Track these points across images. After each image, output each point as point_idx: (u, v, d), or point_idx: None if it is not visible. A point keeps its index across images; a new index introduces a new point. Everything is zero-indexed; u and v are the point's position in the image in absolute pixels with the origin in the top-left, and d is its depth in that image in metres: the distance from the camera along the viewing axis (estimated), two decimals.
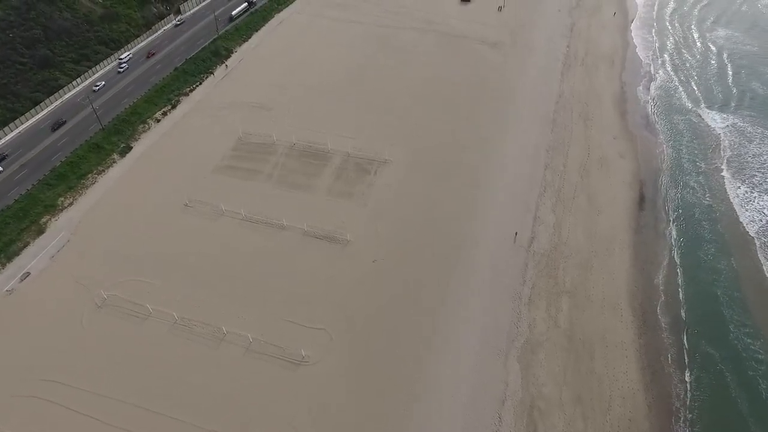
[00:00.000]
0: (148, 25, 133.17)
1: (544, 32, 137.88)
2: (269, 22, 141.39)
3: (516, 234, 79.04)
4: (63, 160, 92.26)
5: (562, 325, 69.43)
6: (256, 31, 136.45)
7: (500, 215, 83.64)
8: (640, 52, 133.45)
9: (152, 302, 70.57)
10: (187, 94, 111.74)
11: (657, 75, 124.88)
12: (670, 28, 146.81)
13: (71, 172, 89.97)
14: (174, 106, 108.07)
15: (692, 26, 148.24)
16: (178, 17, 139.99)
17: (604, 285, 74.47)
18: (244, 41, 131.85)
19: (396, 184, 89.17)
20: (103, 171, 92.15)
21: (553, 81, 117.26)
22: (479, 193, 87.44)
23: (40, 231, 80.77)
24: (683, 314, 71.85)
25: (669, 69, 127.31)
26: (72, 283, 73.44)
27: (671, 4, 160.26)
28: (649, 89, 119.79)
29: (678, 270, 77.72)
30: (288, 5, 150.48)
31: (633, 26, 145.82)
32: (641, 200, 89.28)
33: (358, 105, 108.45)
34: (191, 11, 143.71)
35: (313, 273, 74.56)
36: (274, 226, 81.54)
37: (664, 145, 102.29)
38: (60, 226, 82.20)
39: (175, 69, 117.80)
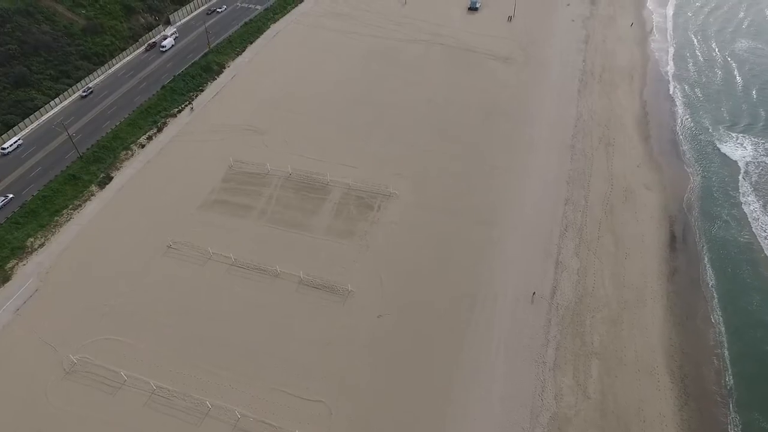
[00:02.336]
0: (135, 37, 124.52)
1: (557, 45, 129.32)
2: (265, 33, 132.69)
3: (534, 294, 70.54)
4: (35, 194, 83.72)
5: (593, 396, 61.17)
6: (251, 43, 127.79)
7: (518, 260, 75.30)
8: (661, 67, 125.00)
9: (127, 367, 62.23)
10: (174, 115, 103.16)
11: (679, 92, 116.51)
12: (690, 39, 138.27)
13: (43, 208, 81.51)
14: (160, 129, 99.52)
15: (713, 37, 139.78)
16: (168, 28, 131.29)
17: (637, 344, 66.22)
18: (238, 55, 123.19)
19: (402, 222, 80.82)
20: (80, 206, 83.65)
21: (570, 101, 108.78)
22: (494, 234, 79.11)
23: (5, 278, 72.36)
24: (730, 380, 63.67)
25: (691, 85, 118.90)
26: (37, 343, 65.05)
27: (690, 14, 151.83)
28: (671, 108, 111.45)
29: (720, 324, 69.50)
30: (285, 14, 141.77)
31: (651, 38, 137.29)
32: (672, 239, 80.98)
33: (359, 128, 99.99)
34: (182, 21, 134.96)
35: (311, 332, 66.23)
36: (267, 273, 73.21)
37: (692, 173, 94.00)
38: (28, 273, 73.77)
39: (163, 87, 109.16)
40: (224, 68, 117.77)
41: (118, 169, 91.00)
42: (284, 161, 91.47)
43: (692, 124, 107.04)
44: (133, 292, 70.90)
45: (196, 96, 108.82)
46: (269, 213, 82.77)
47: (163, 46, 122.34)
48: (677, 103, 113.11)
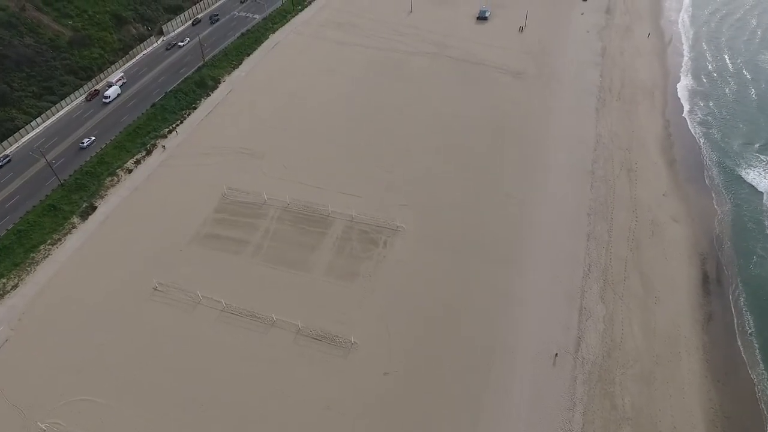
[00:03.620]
0: (125, 50, 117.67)
1: (572, 58, 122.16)
2: (263, 44, 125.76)
3: (556, 355, 63.59)
4: (10, 228, 76.98)
5: None
6: (248, 55, 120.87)
7: (538, 307, 68.40)
8: (682, 82, 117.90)
9: None
10: (165, 136, 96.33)
11: (702, 110, 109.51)
12: (712, 51, 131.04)
13: (18, 244, 74.81)
14: (149, 152, 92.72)
15: (737, 49, 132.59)
16: (161, 39, 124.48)
17: (673, 408, 59.34)
18: (234, 68, 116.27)
19: (410, 261, 73.95)
20: (59, 240, 76.94)
21: (588, 121, 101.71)
22: (511, 275, 72.23)
23: None
24: None
25: (716, 102, 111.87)
26: (5, 406, 58.40)
27: (711, 23, 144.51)
28: (695, 128, 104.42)
29: (763, 381, 62.60)
30: (285, 23, 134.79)
31: (670, 50, 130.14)
32: (705, 280, 74.03)
33: (362, 151, 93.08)
34: (176, 31, 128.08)
35: (309, 392, 59.44)
36: (262, 321, 66.42)
37: (720, 202, 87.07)
38: None
39: (153, 105, 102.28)
40: (219, 83, 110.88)
41: (103, 198, 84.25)
42: (282, 189, 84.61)
43: (718, 146, 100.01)
44: (112, 344, 64.18)
45: (189, 114, 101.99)
46: (265, 249, 75.97)
47: (106, 97, 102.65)
48: (701, 123, 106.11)
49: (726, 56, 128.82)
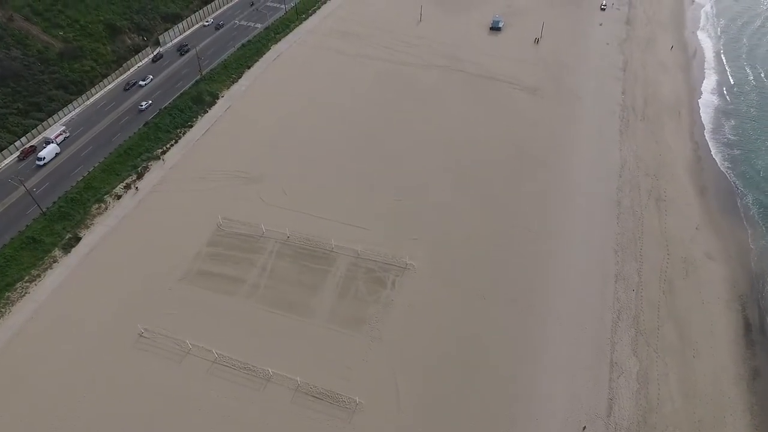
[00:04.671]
0: (119, 62, 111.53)
1: (592, 73, 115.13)
2: (265, 55, 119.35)
3: (584, 429, 56.58)
4: None
5: None
6: (249, 68, 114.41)
7: (564, 363, 61.40)
8: (710, 99, 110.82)
9: None
10: (158, 158, 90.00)
11: (731, 130, 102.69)
12: (739, 64, 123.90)
13: None
14: (141, 175, 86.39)
15: (764, 61, 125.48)
16: (156, 50, 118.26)
17: None
18: (233, 82, 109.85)
19: (420, 306, 67.22)
20: (38, 276, 70.62)
21: (611, 144, 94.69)
22: (532, 324, 65.33)
23: None
24: None
25: (746, 121, 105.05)
26: None
27: (734, 33, 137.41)
28: (725, 151, 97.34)
29: None
30: (288, 33, 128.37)
31: (695, 63, 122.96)
32: (747, 328, 66.95)
33: (369, 176, 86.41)
34: (172, 42, 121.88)
35: None
36: (257, 375, 59.84)
37: (757, 237, 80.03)
38: None
39: (146, 123, 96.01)
40: (217, 99, 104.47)
41: (88, 228, 77.91)
42: (282, 220, 78.09)
43: (751, 171, 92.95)
44: (91, 402, 57.71)
45: (184, 133, 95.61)
46: (262, 289, 69.39)
47: (40, 158, 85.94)
48: (731, 145, 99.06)
49: (755, 70, 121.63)
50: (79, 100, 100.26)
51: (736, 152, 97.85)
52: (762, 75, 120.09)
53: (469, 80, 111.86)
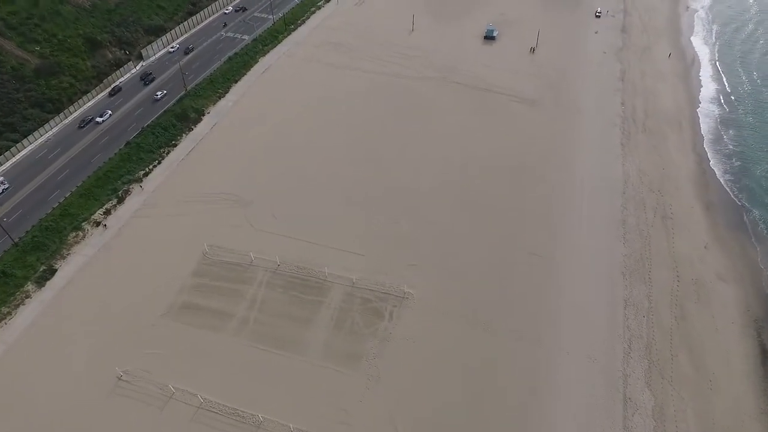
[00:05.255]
0: (100, 77, 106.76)
1: (590, 83, 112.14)
2: (253, 68, 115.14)
3: None
4: None
5: None
6: (236, 82, 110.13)
7: (575, 400, 57.68)
8: (711, 110, 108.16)
9: None
10: (140, 180, 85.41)
11: (734, 141, 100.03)
12: (737, 71, 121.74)
13: None
14: (121, 200, 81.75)
15: (762, 68, 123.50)
16: (140, 64, 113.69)
17: None
18: (220, 98, 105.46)
19: (420, 339, 63.17)
20: (8, 315, 65.68)
21: (613, 158, 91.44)
22: (540, 356, 61.53)
23: None
24: None
25: (748, 131, 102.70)
26: None
27: (732, 40, 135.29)
28: (729, 163, 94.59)
29: None
30: (276, 45, 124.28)
31: (694, 72, 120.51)
32: (763, 356, 63.62)
33: (362, 197, 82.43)
34: (156, 55, 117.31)
35: None
36: (246, 421, 55.39)
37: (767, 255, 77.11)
38: None
39: (127, 143, 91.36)
40: (203, 115, 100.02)
41: (65, 258, 73.12)
42: (272, 246, 73.78)
43: (754, 185, 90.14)
44: None
45: (168, 153, 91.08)
46: (251, 324, 65.01)
47: None
48: (735, 156, 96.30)
49: (750, 76, 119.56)
50: (57, 119, 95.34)
51: (739, 164, 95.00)
52: (758, 81, 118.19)
53: (464, 92, 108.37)
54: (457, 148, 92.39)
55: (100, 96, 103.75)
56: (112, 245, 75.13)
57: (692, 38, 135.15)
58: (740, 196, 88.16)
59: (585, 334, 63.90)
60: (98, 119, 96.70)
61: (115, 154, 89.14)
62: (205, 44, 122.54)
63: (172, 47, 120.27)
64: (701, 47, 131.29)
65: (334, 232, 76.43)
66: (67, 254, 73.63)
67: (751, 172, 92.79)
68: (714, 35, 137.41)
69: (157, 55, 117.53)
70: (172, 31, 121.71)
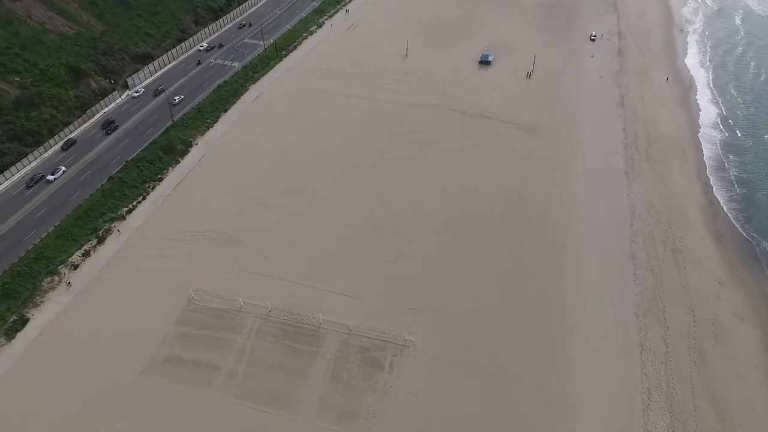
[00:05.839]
0: (83, 107, 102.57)
1: (589, 109, 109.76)
2: (243, 96, 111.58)
3: None
4: None
5: None
6: (225, 111, 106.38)
7: None
8: (710, 134, 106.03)
9: None
10: (123, 218, 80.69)
11: (737, 166, 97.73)
12: (732, 93, 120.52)
13: None
14: (102, 240, 76.83)
15: (761, 90, 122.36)
16: (126, 93, 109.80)
17: None
18: (209, 127, 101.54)
19: (423, 392, 58.33)
20: None
21: (618, 188, 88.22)
22: (552, 411, 56.80)
23: None
24: None
25: (749, 156, 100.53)
26: None
27: (727, 62, 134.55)
28: (735, 190, 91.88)
29: None
30: (267, 71, 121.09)
31: (693, 96, 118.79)
32: None
33: (357, 233, 78.14)
34: (143, 83, 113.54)
35: None
36: None
37: None
38: None
39: (110, 178, 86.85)
40: (191, 147, 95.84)
41: (38, 306, 67.77)
42: (262, 289, 69.05)
43: (762, 215, 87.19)
44: None
45: (153, 188, 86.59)
46: (240, 378, 59.89)
47: None
48: (739, 183, 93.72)
49: (745, 97, 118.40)
50: (36, 153, 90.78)
51: (744, 191, 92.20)
52: (752, 104, 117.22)
53: (461, 119, 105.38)
54: (456, 179, 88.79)
55: (52, 150, 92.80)
56: (89, 292, 69.87)
57: (687, 61, 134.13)
58: (747, 227, 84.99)
59: (600, 384, 59.41)
60: (49, 177, 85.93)
61: (97, 189, 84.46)
62: (179, 82, 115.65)
63: (136, 91, 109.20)
64: (697, 70, 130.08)
65: (329, 272, 71.92)
66: (41, 302, 68.31)
67: (757, 201, 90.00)
68: (708, 58, 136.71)
69: (118, 100, 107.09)
70: (151, 66, 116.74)
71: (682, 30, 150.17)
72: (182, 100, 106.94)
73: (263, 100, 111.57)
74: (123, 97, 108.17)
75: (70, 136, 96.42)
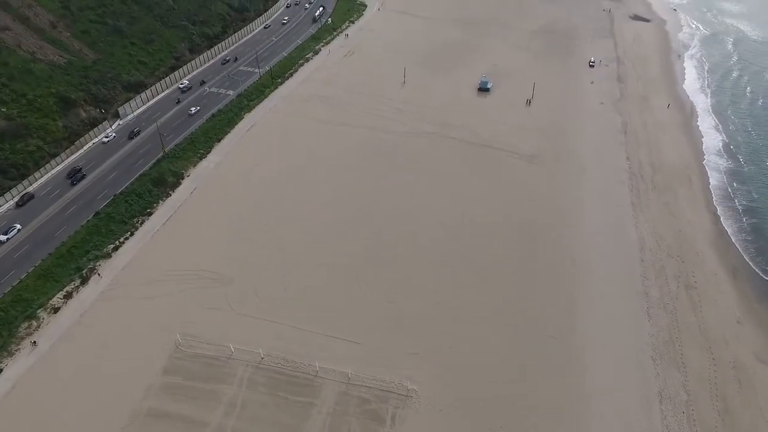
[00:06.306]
0: (72, 138, 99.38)
1: (591, 137, 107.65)
2: (237, 126, 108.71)
3: None
4: None
5: None
6: (219, 141, 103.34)
7: None
8: (714, 161, 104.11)
9: None
10: (109, 255, 76.64)
11: (744, 194, 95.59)
12: (732, 119, 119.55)
13: None
14: (85, 281, 72.56)
15: (761, 114, 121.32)
16: (117, 123, 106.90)
17: None
18: (201, 158, 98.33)
19: None
20: None
21: (626, 220, 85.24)
22: None
23: None
24: None
25: (755, 186, 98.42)
26: None
27: (724, 89, 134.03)
28: (744, 220, 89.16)
29: None
30: (262, 100, 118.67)
31: (693, 121, 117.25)
32: None
33: (356, 273, 74.14)
34: (134, 113, 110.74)
35: None
36: None
37: None
38: None
39: (96, 214, 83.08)
40: (182, 179, 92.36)
41: (13, 355, 62.94)
42: (255, 334, 64.76)
43: None
44: None
45: (142, 223, 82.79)
46: None
47: None
48: (747, 213, 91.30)
49: (749, 126, 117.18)
50: (20, 186, 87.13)
51: (754, 221, 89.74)
52: (751, 129, 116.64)
53: (461, 148, 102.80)
54: (457, 211, 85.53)
55: (7, 204, 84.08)
56: (70, 338, 65.29)
57: (686, 86, 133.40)
58: (759, 259, 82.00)
59: None
60: (1, 237, 77.38)
61: (82, 226, 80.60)
62: (170, 113, 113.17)
63: (106, 135, 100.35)
64: (696, 96, 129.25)
65: (325, 313, 67.82)
66: (17, 350, 63.56)
67: (767, 232, 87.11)
68: (706, 83, 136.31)
69: (85, 147, 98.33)
70: (143, 94, 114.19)
71: (679, 55, 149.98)
72: (198, 111, 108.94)
73: (258, 129, 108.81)
74: (90, 143, 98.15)
75: (27, 190, 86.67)
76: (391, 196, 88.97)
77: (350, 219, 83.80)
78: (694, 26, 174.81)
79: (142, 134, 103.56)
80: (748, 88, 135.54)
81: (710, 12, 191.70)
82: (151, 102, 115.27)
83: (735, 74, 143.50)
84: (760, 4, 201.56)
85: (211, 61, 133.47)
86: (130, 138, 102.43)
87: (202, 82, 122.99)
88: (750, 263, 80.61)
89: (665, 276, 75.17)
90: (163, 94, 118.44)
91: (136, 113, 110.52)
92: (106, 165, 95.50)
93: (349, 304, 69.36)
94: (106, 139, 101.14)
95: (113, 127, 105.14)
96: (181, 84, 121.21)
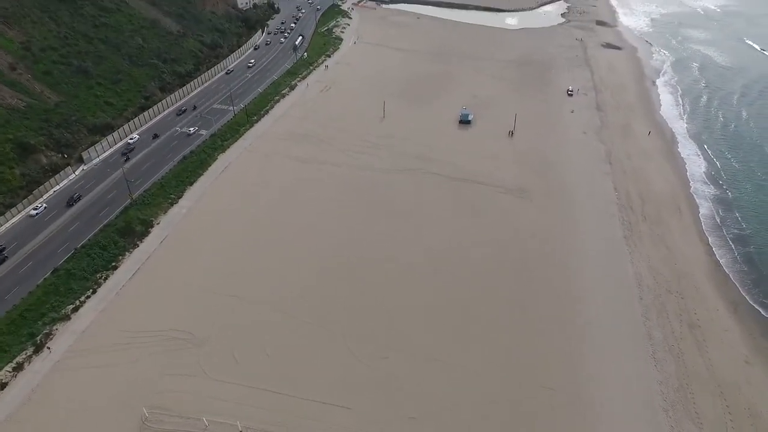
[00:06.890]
0: (29, 187, 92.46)
1: (577, 167, 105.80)
2: (210, 167, 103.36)
3: None
4: None
5: None
6: (191, 184, 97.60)
7: None
8: (701, 189, 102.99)
9: None
10: (68, 318, 69.32)
11: (736, 224, 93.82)
12: (711, 145, 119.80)
13: None
14: (38, 350, 65.03)
15: (744, 142, 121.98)
16: (80, 168, 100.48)
17: None
18: (172, 204, 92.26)
19: None
20: None
21: (620, 255, 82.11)
22: None
23: None
24: None
25: (744, 212, 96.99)
26: None
27: (697, 114, 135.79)
28: (739, 249, 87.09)
29: None
30: (237, 139, 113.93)
31: (675, 148, 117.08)
32: None
33: (342, 327, 68.20)
34: (99, 158, 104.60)
35: None
36: None
37: None
38: None
39: (54, 271, 76.00)
40: (151, 227, 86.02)
41: None
42: (232, 403, 58.17)
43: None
44: None
45: (106, 278, 75.88)
46: None
47: None
48: (736, 242, 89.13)
49: (725, 151, 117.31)
50: (31, 198, 79.89)
51: (746, 251, 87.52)
52: (728, 154, 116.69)
53: (445, 184, 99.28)
54: (446, 252, 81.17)
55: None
56: (19, 418, 57.65)
57: (662, 112, 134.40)
58: (755, 291, 79.35)
59: None
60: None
61: (37, 286, 73.29)
62: (161, 139, 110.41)
63: (35, 208, 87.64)
64: (675, 122, 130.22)
65: (312, 375, 61.74)
66: None
67: (760, 263, 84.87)
68: (682, 109, 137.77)
69: (10, 222, 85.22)
70: (110, 137, 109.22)
71: (653, 82, 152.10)
72: (197, 131, 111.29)
73: (232, 170, 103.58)
74: (17, 217, 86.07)
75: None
76: (376, 240, 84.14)
77: (333, 269, 78.34)
78: (663, 54, 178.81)
79: (83, 200, 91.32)
80: (720, 113, 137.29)
81: (675, 39, 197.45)
82: (119, 144, 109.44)
83: (705, 99, 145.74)
84: (722, 31, 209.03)
85: (166, 111, 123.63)
86: (69, 205, 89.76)
87: (155, 136, 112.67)
88: (746, 297, 77.84)
89: (666, 314, 71.66)
90: (92, 163, 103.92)
91: (102, 157, 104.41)
92: (67, 215, 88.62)
93: (337, 364, 63.37)
94: (34, 212, 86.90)
95: (60, 186, 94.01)
96: (131, 139, 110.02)
